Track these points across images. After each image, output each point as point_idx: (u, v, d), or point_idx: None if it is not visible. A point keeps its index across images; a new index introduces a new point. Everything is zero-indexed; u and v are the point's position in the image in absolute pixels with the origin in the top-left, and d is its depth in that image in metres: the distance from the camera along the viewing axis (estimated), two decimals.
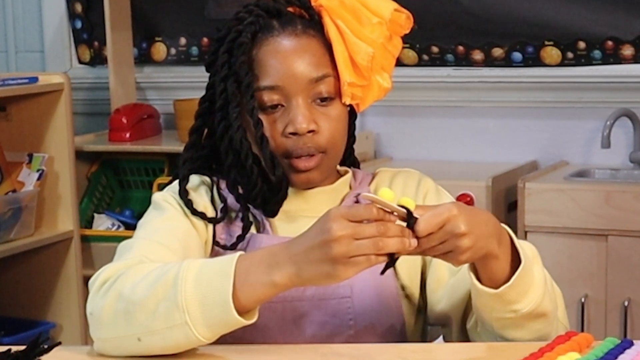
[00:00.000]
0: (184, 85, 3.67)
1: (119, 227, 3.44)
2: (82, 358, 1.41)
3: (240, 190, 1.56)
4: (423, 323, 1.62)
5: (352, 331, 1.52)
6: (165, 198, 1.56)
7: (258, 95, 1.52)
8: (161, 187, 1.68)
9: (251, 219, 1.56)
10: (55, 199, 3.24)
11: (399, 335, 1.55)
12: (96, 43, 3.88)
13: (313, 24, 1.56)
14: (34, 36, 3.98)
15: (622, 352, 1.30)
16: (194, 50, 3.76)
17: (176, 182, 1.59)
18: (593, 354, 1.29)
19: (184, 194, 1.55)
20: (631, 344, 1.34)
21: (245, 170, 1.53)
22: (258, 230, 1.56)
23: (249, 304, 1.33)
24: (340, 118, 1.55)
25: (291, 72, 1.51)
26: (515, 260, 1.38)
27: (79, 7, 3.89)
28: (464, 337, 1.52)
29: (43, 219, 3.24)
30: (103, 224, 3.44)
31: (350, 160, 1.69)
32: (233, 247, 1.53)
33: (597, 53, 3.23)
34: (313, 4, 1.57)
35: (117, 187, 3.62)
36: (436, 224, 1.30)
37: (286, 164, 1.53)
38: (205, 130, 1.61)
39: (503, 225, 1.39)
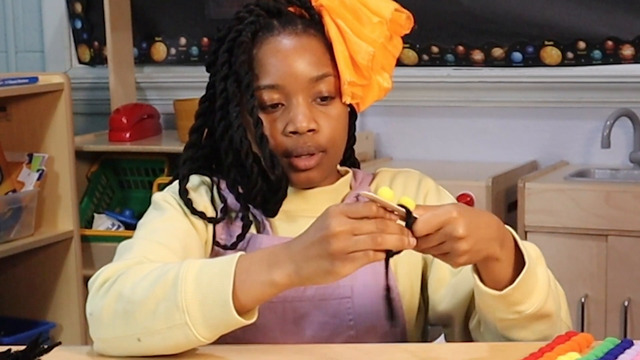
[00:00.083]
0: (184, 85, 3.67)
1: (119, 227, 3.44)
2: (82, 358, 1.41)
3: (240, 190, 1.56)
4: (423, 323, 1.62)
5: (352, 331, 1.52)
6: (165, 198, 1.56)
7: (258, 95, 1.52)
8: (161, 187, 1.68)
9: (251, 218, 1.56)
10: (55, 199, 3.24)
11: (399, 335, 1.55)
12: (96, 43, 3.88)
13: (313, 23, 1.56)
14: (34, 36, 3.98)
15: (622, 352, 1.30)
16: (194, 50, 3.76)
17: (176, 182, 1.59)
18: (593, 354, 1.29)
19: (184, 193, 1.55)
20: (631, 344, 1.34)
21: (245, 169, 1.53)
22: (258, 231, 1.56)
23: (249, 303, 1.33)
24: (341, 117, 1.55)
25: (291, 71, 1.51)
26: (519, 262, 1.38)
27: (79, 7, 3.89)
28: (467, 337, 1.52)
29: (43, 219, 3.24)
30: (103, 224, 3.45)
31: (350, 160, 1.69)
32: (233, 247, 1.53)
33: (597, 53, 3.23)
34: (313, 3, 1.57)
35: (117, 187, 3.62)
36: (435, 225, 1.30)
37: (286, 163, 1.53)
38: (206, 130, 1.61)
39: (507, 227, 1.39)
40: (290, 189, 1.56)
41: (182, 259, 1.47)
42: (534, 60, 3.31)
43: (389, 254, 1.30)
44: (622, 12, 3.18)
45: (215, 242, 1.55)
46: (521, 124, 3.37)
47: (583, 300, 2.89)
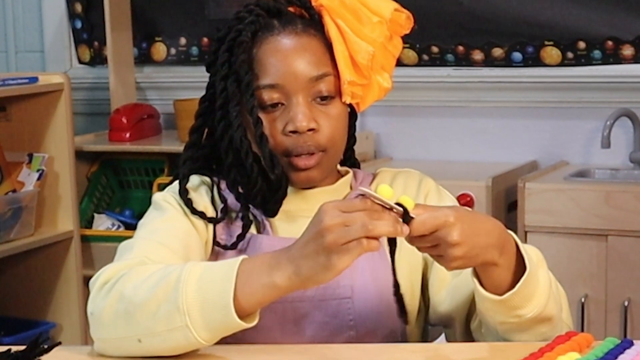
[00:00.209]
0: (184, 85, 3.67)
1: (119, 227, 3.44)
2: (82, 358, 1.41)
3: (240, 190, 1.56)
4: (424, 323, 1.62)
5: (352, 332, 1.52)
6: (166, 198, 1.56)
7: (258, 94, 1.52)
8: (161, 187, 1.68)
9: (251, 218, 1.56)
10: (55, 199, 3.24)
11: (399, 335, 1.55)
12: (96, 43, 3.88)
13: (313, 23, 1.56)
14: (34, 36, 3.98)
15: (622, 352, 1.30)
16: (194, 50, 3.76)
17: (176, 182, 1.59)
18: (593, 354, 1.29)
19: (184, 193, 1.55)
20: (631, 344, 1.34)
21: (245, 169, 1.53)
22: (258, 231, 1.56)
23: (250, 307, 1.33)
24: (341, 117, 1.55)
25: (291, 70, 1.51)
26: (521, 266, 1.37)
27: (79, 7, 3.89)
28: (468, 338, 1.51)
29: (43, 219, 3.24)
30: (103, 224, 3.45)
31: (350, 161, 1.69)
32: (233, 247, 1.54)
33: (597, 53, 3.23)
34: (313, 3, 1.57)
35: (117, 187, 3.62)
36: (430, 227, 1.29)
37: (286, 162, 1.53)
38: (206, 130, 1.61)
39: (510, 232, 1.39)
40: (290, 189, 1.56)
41: (183, 259, 1.47)
42: (534, 60, 3.31)
43: (392, 248, 1.29)
44: (622, 12, 3.18)
45: (215, 242, 1.55)
46: (521, 124, 3.38)
47: (583, 300, 2.89)
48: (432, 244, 1.31)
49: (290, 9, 1.58)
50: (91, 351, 1.42)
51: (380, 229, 1.26)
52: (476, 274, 1.38)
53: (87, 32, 3.90)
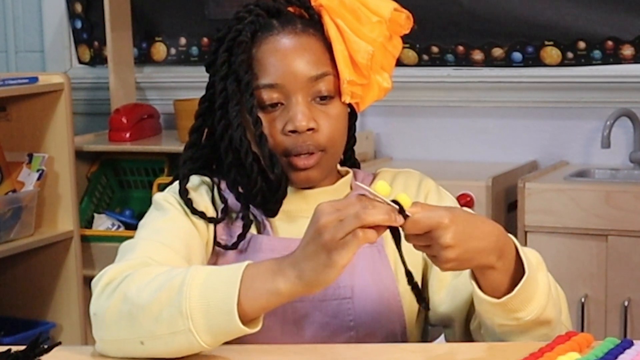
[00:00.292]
0: (184, 85, 3.67)
1: (119, 227, 3.44)
2: (82, 358, 1.41)
3: (241, 190, 1.56)
4: (423, 323, 1.62)
5: (352, 332, 1.52)
6: (166, 198, 1.56)
7: (257, 94, 1.52)
8: (161, 187, 1.68)
9: (251, 218, 1.56)
10: (55, 199, 3.24)
11: (399, 335, 1.55)
12: (96, 43, 3.88)
13: (313, 23, 1.56)
14: (34, 36, 3.99)
15: (622, 352, 1.30)
16: (194, 50, 3.76)
17: (177, 182, 1.59)
18: (593, 354, 1.29)
19: (184, 193, 1.55)
20: (631, 344, 1.34)
21: (245, 169, 1.53)
22: (259, 231, 1.56)
23: (254, 312, 1.32)
24: (340, 117, 1.55)
25: (291, 70, 1.51)
26: (520, 269, 1.37)
27: (79, 7, 3.89)
28: (467, 338, 1.51)
29: (43, 219, 3.24)
30: (103, 224, 3.45)
31: (350, 161, 1.69)
32: (234, 247, 1.53)
33: (597, 53, 3.24)
34: (313, 3, 1.57)
35: (117, 187, 3.62)
36: (423, 227, 1.29)
37: (285, 162, 1.53)
38: (205, 130, 1.61)
39: (509, 235, 1.38)
40: (290, 189, 1.56)
41: (185, 259, 1.47)
42: (534, 60, 3.31)
43: (396, 239, 1.29)
44: (622, 12, 3.18)
45: (216, 243, 1.55)
46: (521, 124, 3.38)
47: (583, 300, 2.89)
48: (426, 244, 1.31)
49: (290, 9, 1.58)
50: (92, 351, 1.42)
51: (374, 217, 1.26)
52: (474, 276, 1.38)
53: (87, 32, 3.90)
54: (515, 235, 1.42)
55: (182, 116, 3.36)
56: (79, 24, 3.91)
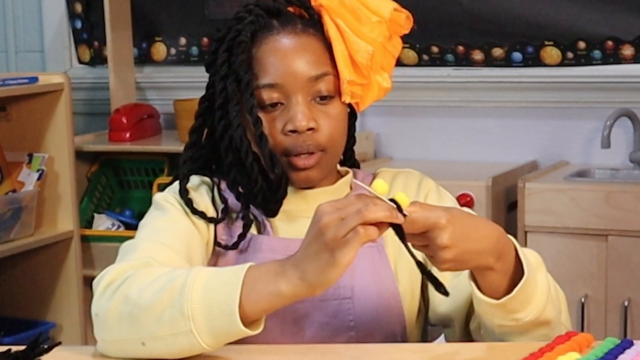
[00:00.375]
0: (184, 85, 3.67)
1: (119, 227, 3.44)
2: (82, 358, 1.41)
3: (241, 189, 1.56)
4: (423, 323, 1.62)
5: (352, 332, 1.52)
6: (167, 198, 1.56)
7: (257, 94, 1.52)
8: (161, 187, 1.68)
9: (252, 218, 1.56)
10: (55, 199, 3.24)
11: (399, 335, 1.55)
12: (96, 43, 3.88)
13: (313, 23, 1.56)
14: (34, 36, 3.99)
15: (622, 352, 1.30)
16: (194, 50, 3.76)
17: (177, 182, 1.59)
18: (593, 354, 1.29)
19: (184, 193, 1.55)
20: (631, 344, 1.34)
21: (246, 168, 1.53)
22: (259, 231, 1.56)
23: (255, 314, 1.32)
24: (340, 117, 1.55)
25: (290, 70, 1.51)
26: (520, 270, 1.37)
27: (79, 7, 3.89)
28: (467, 338, 1.51)
29: (43, 219, 3.24)
30: (103, 224, 3.45)
31: (350, 162, 1.69)
32: (235, 247, 1.53)
33: (597, 53, 3.24)
34: (313, 3, 1.57)
35: (117, 187, 3.62)
36: (420, 227, 1.29)
37: (285, 162, 1.53)
38: (205, 130, 1.61)
39: (509, 237, 1.38)
40: (290, 189, 1.55)
41: (186, 259, 1.47)
42: (534, 60, 3.31)
43: (400, 236, 1.29)
44: (622, 12, 3.18)
45: (216, 243, 1.55)
46: (521, 124, 3.38)
47: (583, 300, 2.89)
48: (424, 244, 1.31)
49: (290, 9, 1.58)
50: (92, 351, 1.42)
51: (376, 214, 1.26)
52: (473, 277, 1.38)
53: (87, 32, 3.90)
54: (515, 235, 1.42)
55: (182, 116, 3.36)
56: (79, 24, 3.91)
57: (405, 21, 1.57)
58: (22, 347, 1.37)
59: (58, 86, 3.19)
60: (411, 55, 3.44)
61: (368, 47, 1.53)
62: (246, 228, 1.54)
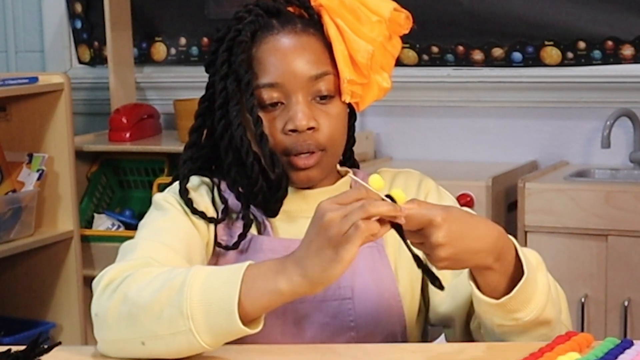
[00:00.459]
0: (184, 85, 3.67)
1: (119, 227, 3.44)
2: (82, 358, 1.41)
3: (241, 189, 1.56)
4: (424, 323, 1.62)
5: (353, 332, 1.52)
6: (166, 199, 1.56)
7: (257, 93, 1.52)
8: (161, 187, 1.68)
9: (252, 218, 1.56)
10: (55, 199, 3.24)
11: (399, 335, 1.55)
12: (96, 43, 3.88)
13: (312, 23, 1.56)
14: (34, 36, 3.99)
15: (622, 352, 1.30)
16: (194, 50, 3.76)
17: (177, 183, 1.59)
18: (593, 354, 1.29)
19: (184, 193, 1.55)
20: (631, 344, 1.34)
21: (246, 168, 1.53)
22: (259, 232, 1.56)
23: (255, 312, 1.32)
24: (340, 116, 1.55)
25: (291, 69, 1.51)
26: (519, 270, 1.37)
27: (79, 7, 3.89)
28: (468, 338, 1.51)
29: (43, 219, 3.24)
30: (103, 224, 3.45)
31: (350, 162, 1.69)
32: (235, 247, 1.53)
33: (597, 53, 3.24)
34: (312, 3, 1.57)
35: (117, 187, 3.62)
36: (415, 224, 1.30)
37: (286, 161, 1.52)
38: (205, 130, 1.61)
39: (510, 237, 1.38)
40: (290, 190, 1.55)
41: (186, 260, 1.47)
42: (534, 60, 3.31)
43: (399, 231, 1.29)
44: (622, 12, 3.18)
45: (216, 243, 1.55)
46: (521, 124, 3.38)
47: (583, 300, 2.89)
48: (421, 241, 1.31)
49: (290, 8, 1.58)
50: (92, 352, 1.42)
51: (379, 208, 1.27)
52: (473, 277, 1.38)
53: (87, 32, 3.90)
54: (515, 235, 1.42)
55: (182, 116, 3.36)
56: (79, 24, 3.91)
57: (404, 21, 1.57)
58: (22, 347, 1.37)
59: (58, 86, 3.19)
60: (411, 55, 3.44)
61: (368, 47, 1.53)
62: (246, 228, 1.54)
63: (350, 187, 1.62)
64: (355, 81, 1.54)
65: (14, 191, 3.15)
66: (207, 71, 1.60)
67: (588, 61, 3.25)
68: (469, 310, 1.50)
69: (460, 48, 3.39)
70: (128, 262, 1.43)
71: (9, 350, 1.36)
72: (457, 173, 3.17)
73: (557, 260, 2.86)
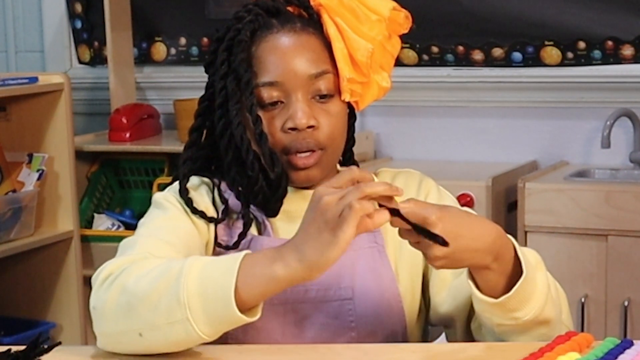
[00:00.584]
0: (184, 85, 3.67)
1: (119, 227, 3.44)
2: (82, 358, 1.40)
3: (241, 189, 1.56)
4: (424, 323, 1.62)
5: (353, 333, 1.52)
6: (167, 197, 1.56)
7: (257, 92, 1.52)
8: (161, 187, 1.68)
9: (252, 217, 1.55)
10: (55, 199, 3.24)
11: (400, 336, 1.55)
12: (96, 43, 3.88)
13: (312, 22, 1.56)
14: (34, 36, 3.98)
15: (622, 352, 1.30)
16: (194, 50, 3.76)
17: (177, 182, 1.59)
18: (593, 354, 1.29)
19: (184, 192, 1.55)
20: (631, 344, 1.34)
21: (246, 167, 1.53)
22: (259, 232, 1.56)
23: (251, 300, 1.32)
24: (340, 115, 1.55)
25: (290, 68, 1.51)
26: (518, 269, 1.37)
27: (79, 7, 3.89)
28: (469, 338, 1.51)
29: (43, 219, 3.24)
30: (103, 224, 3.45)
31: (350, 162, 1.69)
32: (235, 247, 1.53)
33: (597, 53, 3.24)
34: (312, 2, 1.57)
35: (117, 187, 3.62)
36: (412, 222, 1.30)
37: (285, 161, 1.52)
38: (205, 130, 1.61)
39: (508, 236, 1.38)
40: (290, 189, 1.55)
41: (184, 257, 1.47)
42: (534, 60, 3.31)
43: (397, 214, 1.29)
44: (622, 12, 3.18)
45: (217, 243, 1.55)
46: (521, 124, 3.38)
47: (583, 300, 2.89)
48: (414, 240, 1.31)
49: (289, 8, 1.58)
50: (92, 352, 1.41)
51: (374, 188, 1.28)
52: (472, 276, 1.39)
53: (87, 32, 3.90)
54: (516, 235, 1.42)
55: (182, 116, 3.36)
56: (79, 24, 3.91)
57: (404, 20, 1.57)
58: (22, 347, 1.37)
59: (58, 86, 3.19)
60: (411, 55, 3.44)
61: (368, 45, 1.53)
62: (246, 227, 1.54)
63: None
64: (354, 80, 1.54)
65: (14, 191, 3.15)
66: (206, 71, 1.60)
67: (588, 61, 3.25)
68: (470, 311, 1.50)
69: (460, 48, 3.39)
70: (127, 257, 1.43)
71: (9, 350, 1.36)
72: (457, 173, 3.17)
73: (557, 260, 2.86)
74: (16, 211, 3.08)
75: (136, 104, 3.63)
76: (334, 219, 1.26)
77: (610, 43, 3.21)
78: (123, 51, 3.65)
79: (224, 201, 1.56)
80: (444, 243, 1.30)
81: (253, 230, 1.55)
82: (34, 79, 3.15)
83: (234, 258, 1.33)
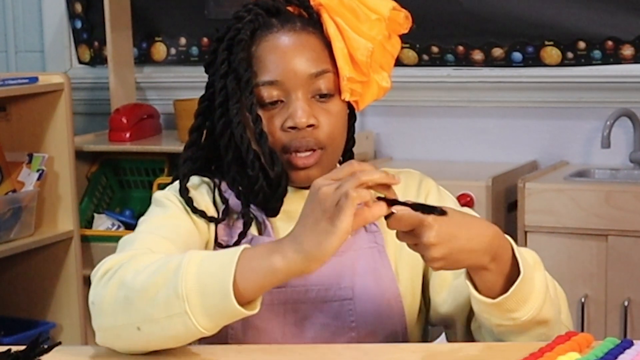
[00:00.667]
0: (184, 85, 3.67)
1: (119, 227, 3.44)
2: (82, 358, 1.40)
3: (241, 188, 1.56)
4: (424, 323, 1.62)
5: (353, 333, 1.52)
6: (167, 196, 1.56)
7: (257, 91, 1.52)
8: (161, 187, 1.68)
9: (252, 217, 1.55)
10: (55, 199, 3.24)
11: (400, 336, 1.55)
12: (96, 43, 3.88)
13: (312, 22, 1.56)
14: (34, 36, 3.98)
15: (622, 352, 1.30)
16: (194, 50, 3.76)
17: (177, 182, 1.59)
18: (593, 354, 1.29)
19: (184, 192, 1.55)
20: (631, 344, 1.34)
21: (246, 166, 1.53)
22: (260, 232, 1.56)
23: (250, 292, 1.31)
24: (340, 115, 1.55)
25: (290, 67, 1.51)
26: (516, 270, 1.37)
27: (79, 7, 3.89)
28: (469, 338, 1.51)
29: (43, 219, 3.24)
30: (103, 224, 3.45)
31: None
32: (235, 246, 1.53)
33: (597, 53, 3.24)
34: (312, 2, 1.57)
35: (117, 187, 3.62)
36: (406, 225, 1.30)
37: (285, 160, 1.52)
38: (205, 130, 1.61)
39: (506, 237, 1.38)
40: (290, 189, 1.55)
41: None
42: (534, 60, 3.31)
43: (398, 202, 1.29)
44: (622, 12, 3.18)
45: (217, 243, 1.55)
46: (521, 124, 3.38)
47: (583, 300, 2.89)
48: (411, 242, 1.32)
49: (289, 8, 1.59)
50: (92, 352, 1.42)
51: (371, 175, 1.28)
52: (470, 276, 1.39)
53: (87, 32, 3.90)
54: (515, 235, 1.42)
55: (182, 116, 3.36)
56: (79, 24, 3.91)
57: (404, 20, 1.57)
58: (22, 347, 1.37)
59: (58, 86, 3.19)
60: (411, 55, 3.44)
61: (368, 44, 1.53)
62: (246, 226, 1.54)
63: None
64: (354, 79, 1.54)
65: (14, 191, 3.15)
66: (206, 71, 1.60)
67: (588, 61, 3.25)
68: (470, 311, 1.50)
69: (460, 48, 3.39)
70: (127, 253, 1.42)
71: (9, 350, 1.36)
72: (457, 173, 3.17)
73: (557, 260, 2.86)
74: (16, 211, 3.08)
75: (136, 104, 3.63)
76: (331, 208, 1.26)
77: (610, 43, 3.21)
78: (123, 51, 3.65)
79: (224, 201, 1.56)
80: (443, 212, 1.30)
81: (253, 230, 1.55)
82: (34, 79, 3.15)
83: (232, 251, 1.33)
